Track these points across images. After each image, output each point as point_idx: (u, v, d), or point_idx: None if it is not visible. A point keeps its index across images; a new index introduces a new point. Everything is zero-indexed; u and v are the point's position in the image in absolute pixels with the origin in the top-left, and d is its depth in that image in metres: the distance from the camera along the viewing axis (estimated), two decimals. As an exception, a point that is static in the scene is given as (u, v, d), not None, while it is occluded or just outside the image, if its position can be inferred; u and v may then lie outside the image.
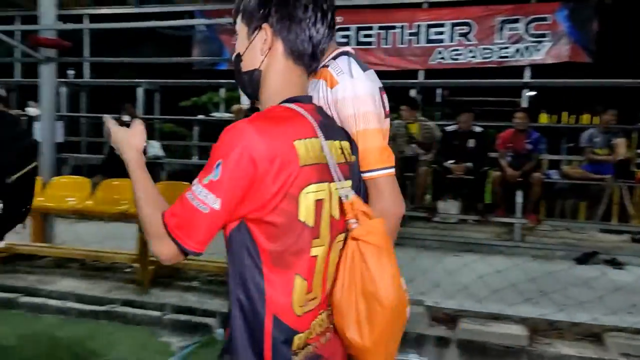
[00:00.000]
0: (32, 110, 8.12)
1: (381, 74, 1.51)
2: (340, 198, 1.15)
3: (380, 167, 1.31)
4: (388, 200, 1.31)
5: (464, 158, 6.30)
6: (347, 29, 7.81)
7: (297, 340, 1.12)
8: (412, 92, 7.64)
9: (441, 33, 7.50)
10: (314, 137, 1.13)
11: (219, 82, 8.99)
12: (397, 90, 6.74)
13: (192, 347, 3.84)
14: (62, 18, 7.06)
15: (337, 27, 7.55)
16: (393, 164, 1.34)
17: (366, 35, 7.79)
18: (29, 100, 8.35)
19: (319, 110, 1.24)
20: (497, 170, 6.38)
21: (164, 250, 1.12)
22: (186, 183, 5.69)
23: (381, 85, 1.44)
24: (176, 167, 7.72)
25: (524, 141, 6.32)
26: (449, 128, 6.56)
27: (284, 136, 1.08)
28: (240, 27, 1.22)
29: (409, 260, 4.76)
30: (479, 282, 4.46)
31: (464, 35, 7.40)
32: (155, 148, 7.38)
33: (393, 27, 7.65)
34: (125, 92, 9.36)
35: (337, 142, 1.21)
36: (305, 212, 1.09)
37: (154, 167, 7.67)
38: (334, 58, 1.40)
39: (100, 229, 6.49)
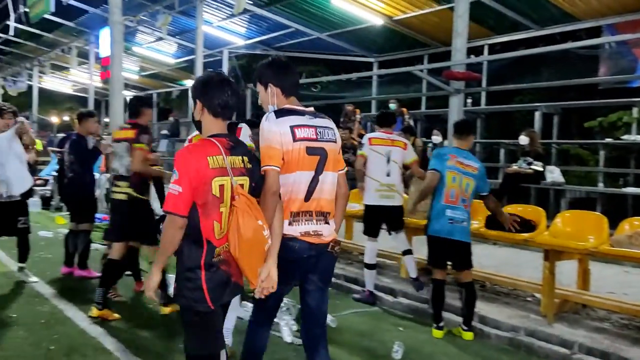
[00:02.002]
0: (435, 138, 8.94)
1: None
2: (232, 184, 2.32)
3: (264, 165, 2.47)
4: (269, 183, 2.44)
5: None
6: None
7: (217, 250, 2.30)
8: None
9: None
10: (219, 154, 2.30)
11: (629, 101, 7.96)
12: None
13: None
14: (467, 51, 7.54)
15: None
16: (276, 164, 2.47)
17: None
18: (434, 129, 9.22)
19: (232, 139, 2.40)
20: None
21: (169, 225, 2.24)
22: (588, 212, 5.15)
23: (299, 123, 2.55)
24: (579, 194, 7.11)
25: None
26: None
27: (202, 154, 2.27)
28: None
29: None
30: None
31: None
32: (555, 174, 6.99)
33: None
34: (521, 117, 9.34)
35: (240, 157, 2.38)
36: (214, 190, 2.26)
37: (553, 195, 7.29)
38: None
39: (493, 252, 6.56)
